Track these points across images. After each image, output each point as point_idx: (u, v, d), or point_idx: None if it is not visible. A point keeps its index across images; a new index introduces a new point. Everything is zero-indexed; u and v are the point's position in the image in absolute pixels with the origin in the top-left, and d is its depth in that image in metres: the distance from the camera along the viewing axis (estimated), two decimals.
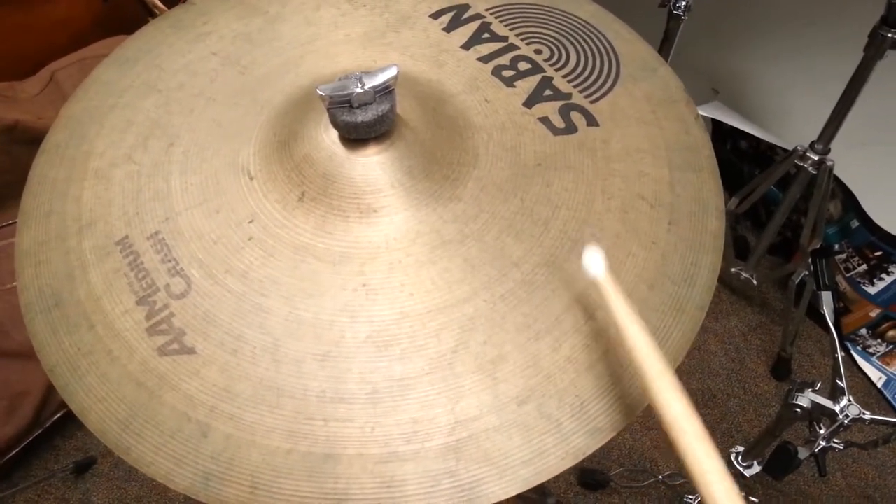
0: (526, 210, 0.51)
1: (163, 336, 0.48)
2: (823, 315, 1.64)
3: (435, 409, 0.45)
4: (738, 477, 1.13)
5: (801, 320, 1.54)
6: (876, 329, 1.60)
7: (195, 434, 0.46)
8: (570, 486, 1.46)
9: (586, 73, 0.59)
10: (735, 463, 1.13)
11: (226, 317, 0.49)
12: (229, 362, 0.47)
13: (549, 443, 0.45)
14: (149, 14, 1.69)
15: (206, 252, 0.51)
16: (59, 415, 1.43)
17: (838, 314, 1.64)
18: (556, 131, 0.56)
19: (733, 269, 1.66)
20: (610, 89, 0.58)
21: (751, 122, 1.70)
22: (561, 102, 0.57)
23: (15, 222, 1.53)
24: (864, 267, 1.59)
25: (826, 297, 1.14)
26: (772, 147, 1.67)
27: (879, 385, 1.58)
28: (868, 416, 1.02)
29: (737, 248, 1.69)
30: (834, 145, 1.36)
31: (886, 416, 1.01)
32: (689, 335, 0.48)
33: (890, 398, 1.57)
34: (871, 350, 1.61)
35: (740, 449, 1.16)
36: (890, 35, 1.17)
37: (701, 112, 1.68)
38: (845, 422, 1.01)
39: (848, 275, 1.61)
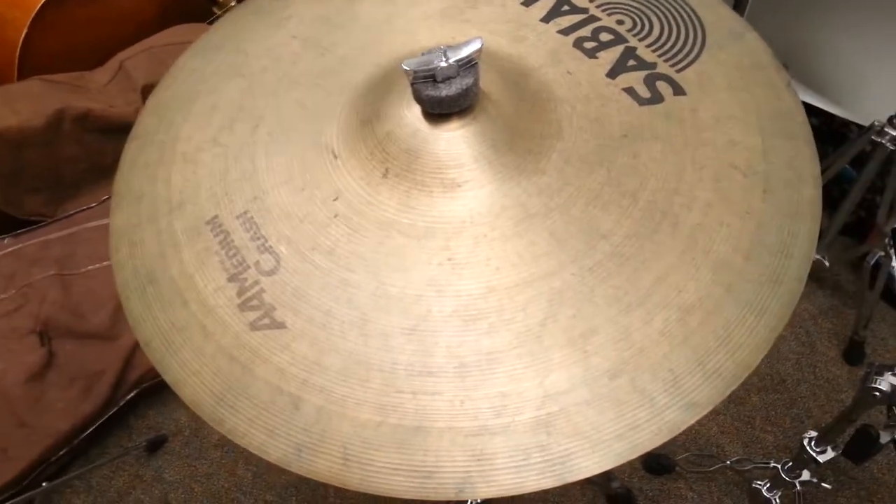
0: (613, 182, 0.50)
1: (254, 311, 0.49)
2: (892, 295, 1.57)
3: (524, 383, 0.45)
4: (811, 462, 1.10)
5: (875, 303, 1.47)
6: None
7: (288, 406, 0.46)
8: (634, 470, 1.44)
9: (671, 42, 0.57)
10: (808, 448, 1.10)
11: (314, 292, 0.49)
12: (319, 336, 0.48)
13: (643, 417, 0.44)
14: (213, 4, 1.73)
15: (293, 229, 0.51)
16: (132, 394, 1.49)
17: None
18: (641, 101, 0.54)
19: None
20: (696, 57, 0.57)
21: (824, 98, 1.63)
22: (646, 72, 0.56)
23: (89, 207, 1.59)
24: None
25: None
26: (846, 124, 1.60)
27: None
28: None
29: None
30: None
31: None
32: (787, 307, 0.47)
33: None
34: None
35: (814, 434, 1.12)
36: None
37: None
38: None
39: None
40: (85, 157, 1.53)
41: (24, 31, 1.49)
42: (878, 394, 1.00)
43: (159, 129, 0.58)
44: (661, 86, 0.55)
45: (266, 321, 0.49)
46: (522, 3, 0.61)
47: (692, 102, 0.54)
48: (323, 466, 0.45)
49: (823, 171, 1.47)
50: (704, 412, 0.44)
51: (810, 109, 1.68)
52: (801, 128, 0.53)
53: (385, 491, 0.44)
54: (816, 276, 1.67)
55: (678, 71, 0.56)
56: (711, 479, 1.41)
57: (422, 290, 0.48)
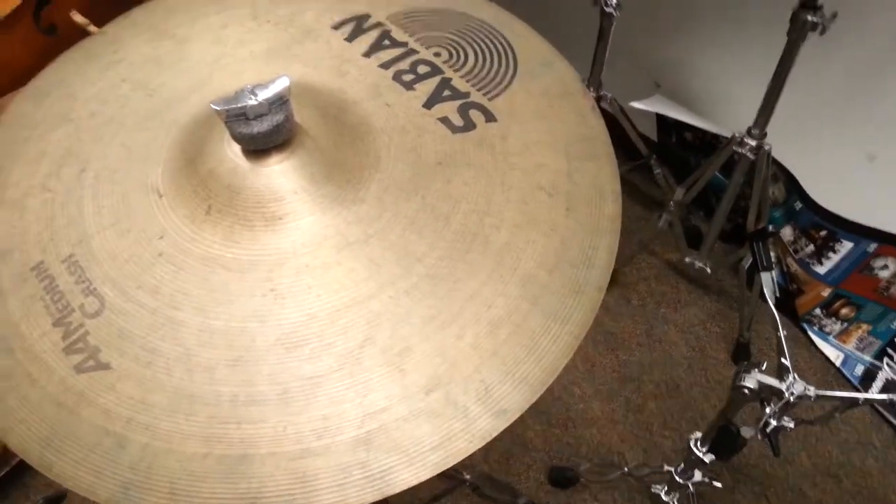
0: (427, 207, 0.53)
1: (79, 354, 0.50)
2: (777, 297, 1.67)
3: (344, 404, 0.47)
4: (700, 463, 1.14)
5: (755, 304, 1.56)
6: (829, 308, 1.64)
7: (113, 446, 0.47)
8: (540, 484, 1.47)
9: (484, 72, 0.61)
10: (695, 449, 1.15)
11: (139, 331, 0.50)
12: (144, 375, 0.49)
13: (457, 427, 0.46)
14: None
15: (118, 270, 0.52)
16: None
17: (791, 296, 1.68)
18: (455, 129, 0.58)
19: (687, 259, 1.69)
20: (507, 86, 0.61)
21: (693, 113, 1.73)
22: (460, 101, 0.59)
23: None
24: (812, 247, 1.63)
25: (765, 277, 1.17)
26: (716, 136, 1.71)
27: (838, 364, 1.61)
28: (812, 391, 1.04)
29: (689, 237, 1.72)
30: (773, 130, 1.40)
31: (833, 392, 1.04)
32: (588, 314, 0.50)
33: (848, 376, 1.60)
34: (826, 329, 1.64)
35: (699, 435, 1.17)
36: (809, 18, 1.21)
37: (644, 107, 1.72)
38: (791, 399, 1.03)
39: (797, 256, 1.65)
40: None
41: None
42: (747, 391, 1.06)
43: None
44: (474, 114, 0.59)
45: (91, 363, 0.49)
46: (346, 39, 0.64)
47: (502, 129, 0.58)
48: (151, 503, 0.46)
49: (695, 183, 1.57)
50: (514, 418, 0.47)
51: (683, 125, 1.78)
52: (604, 148, 0.58)
53: None
54: (702, 282, 1.76)
55: (490, 99, 0.60)
56: (615, 487, 1.45)
57: (245, 321, 0.50)
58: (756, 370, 1.06)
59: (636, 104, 1.74)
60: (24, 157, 0.59)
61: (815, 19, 1.20)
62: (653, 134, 1.87)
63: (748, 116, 1.41)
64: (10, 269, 0.54)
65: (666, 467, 1.18)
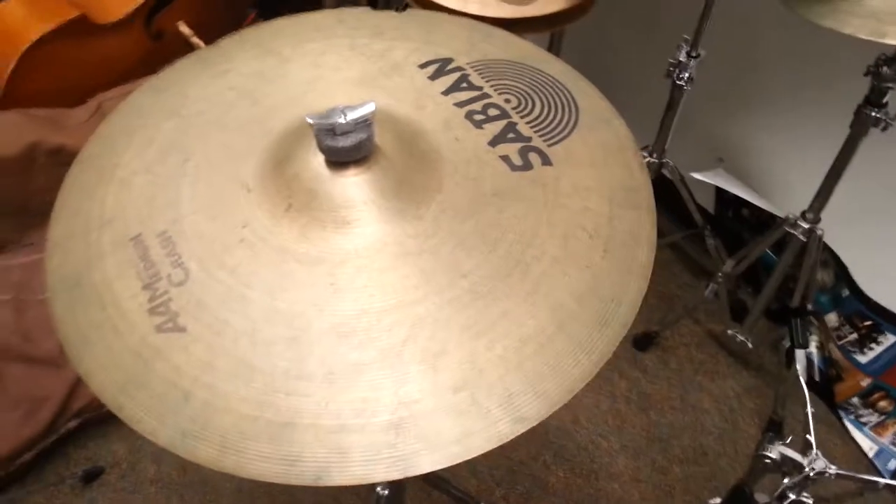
0: (478, 231, 0.60)
1: (161, 316, 0.57)
2: (817, 382, 1.67)
3: (382, 391, 0.53)
4: None
5: (792, 384, 1.56)
6: (867, 398, 1.62)
7: (178, 399, 0.54)
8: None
9: (548, 121, 0.68)
10: None
11: (215, 303, 0.57)
12: (214, 341, 0.56)
13: (478, 426, 0.52)
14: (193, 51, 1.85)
15: (204, 249, 0.60)
16: (74, 423, 1.52)
17: (831, 381, 1.67)
18: (513, 167, 0.64)
19: (730, 332, 1.71)
20: (567, 135, 0.67)
21: (751, 190, 1.77)
22: (521, 144, 0.66)
23: None
24: (855, 336, 1.63)
25: (799, 354, 1.20)
26: (772, 216, 1.73)
27: (871, 455, 1.59)
28: (833, 469, 1.05)
29: (734, 310, 1.74)
30: (828, 216, 1.42)
31: (852, 472, 1.05)
32: (610, 345, 0.55)
33: (881, 468, 1.58)
34: (863, 420, 1.63)
35: (717, 501, 1.19)
36: (873, 114, 1.25)
37: (704, 178, 1.76)
38: (811, 474, 1.05)
39: (840, 343, 1.64)
40: (55, 189, 1.60)
41: (12, 65, 1.59)
42: (768, 461, 1.08)
43: (102, 155, 0.67)
44: (533, 156, 0.65)
45: (170, 325, 0.57)
46: (429, 77, 0.72)
47: (556, 172, 0.64)
48: (203, 452, 0.52)
49: (746, 256, 1.59)
50: (532, 425, 0.52)
51: (742, 201, 1.81)
52: (646, 201, 0.63)
53: (254, 475, 0.51)
54: (742, 356, 1.77)
55: (549, 146, 0.66)
56: None
57: (306, 307, 0.56)
58: (779, 442, 1.08)
59: (697, 175, 1.78)
60: (137, 141, 0.68)
61: (878, 115, 1.24)
62: (711, 206, 1.90)
63: (805, 200, 1.44)
64: (111, 236, 0.62)
65: None
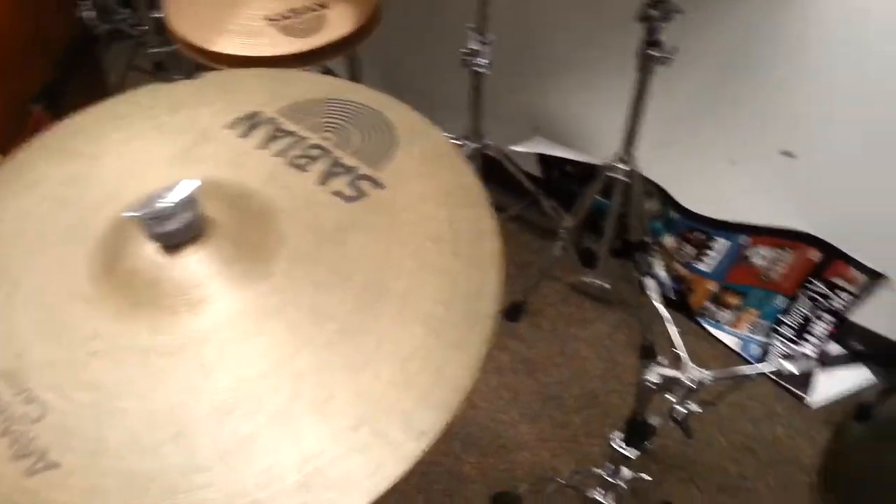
0: (332, 270, 0.61)
1: (28, 458, 0.53)
2: (673, 300, 1.82)
3: (281, 454, 0.53)
4: (623, 460, 1.24)
5: (653, 309, 1.70)
6: (719, 300, 1.80)
7: None
8: None
9: (369, 147, 0.70)
10: (617, 448, 1.24)
11: (85, 426, 0.54)
12: (94, 465, 0.53)
13: (385, 455, 0.53)
14: None
15: (55, 375, 0.56)
16: None
17: (684, 296, 1.83)
18: (348, 199, 0.66)
19: (586, 279, 1.82)
20: (391, 155, 0.69)
21: (569, 149, 1.89)
22: (350, 176, 0.68)
23: None
24: (693, 249, 1.79)
25: (648, 282, 1.31)
26: (594, 166, 1.87)
27: (737, 349, 1.77)
28: (708, 374, 1.16)
29: (584, 259, 1.86)
30: (642, 152, 1.55)
31: (725, 371, 1.16)
32: (484, 337, 0.58)
33: (748, 357, 1.76)
34: (720, 319, 1.80)
35: (619, 434, 1.27)
36: (655, 54, 1.37)
37: (525, 149, 1.86)
38: (691, 385, 1.15)
39: (682, 260, 1.81)
40: None
41: None
42: (651, 385, 1.16)
43: None
44: (363, 184, 0.67)
45: (41, 465, 0.53)
46: (240, 136, 0.71)
47: (390, 193, 0.66)
48: None
49: (580, 209, 1.70)
50: (434, 437, 0.54)
51: (563, 160, 1.94)
52: (479, 196, 0.67)
53: None
54: (603, 299, 1.89)
55: (377, 170, 0.68)
56: (554, 501, 1.53)
57: (182, 397, 0.55)
58: (656, 365, 1.17)
59: (518, 147, 1.88)
60: None
61: (658, 54, 1.37)
62: (537, 171, 2.02)
63: (617, 145, 1.56)
64: None
65: (595, 470, 1.27)
